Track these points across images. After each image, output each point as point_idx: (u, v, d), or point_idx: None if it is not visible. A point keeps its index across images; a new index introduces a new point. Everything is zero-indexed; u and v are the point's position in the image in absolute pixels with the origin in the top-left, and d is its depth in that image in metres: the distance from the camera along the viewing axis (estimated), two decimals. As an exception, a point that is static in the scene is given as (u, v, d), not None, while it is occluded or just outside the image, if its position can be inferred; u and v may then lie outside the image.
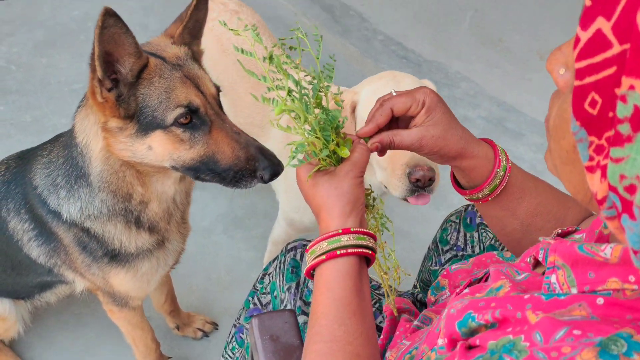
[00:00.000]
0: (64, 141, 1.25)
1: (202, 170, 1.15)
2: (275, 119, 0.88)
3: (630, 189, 0.48)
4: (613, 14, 0.47)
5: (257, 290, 1.36)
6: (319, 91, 0.89)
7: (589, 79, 0.50)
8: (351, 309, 0.81)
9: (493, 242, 1.35)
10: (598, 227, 0.82)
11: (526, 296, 0.64)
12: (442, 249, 1.43)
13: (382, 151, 0.95)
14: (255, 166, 1.12)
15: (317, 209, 0.89)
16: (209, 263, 2.16)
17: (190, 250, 1.63)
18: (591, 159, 0.52)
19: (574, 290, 0.62)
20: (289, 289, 1.21)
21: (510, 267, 0.85)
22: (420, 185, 1.40)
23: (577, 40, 0.50)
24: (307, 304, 1.20)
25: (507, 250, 1.32)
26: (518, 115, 2.91)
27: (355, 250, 0.83)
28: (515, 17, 3.65)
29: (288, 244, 1.33)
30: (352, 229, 0.84)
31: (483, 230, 1.38)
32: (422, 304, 1.39)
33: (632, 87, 0.45)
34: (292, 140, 0.89)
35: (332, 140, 0.88)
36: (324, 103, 0.90)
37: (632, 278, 0.58)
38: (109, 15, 0.95)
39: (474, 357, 0.60)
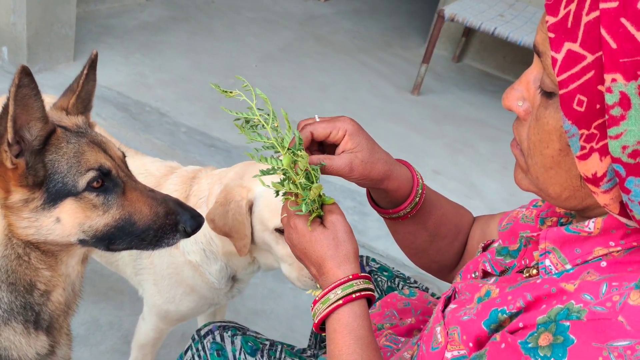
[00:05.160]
0: None
1: (116, 236, 1.06)
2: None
3: (634, 154, 0.61)
4: (577, 37, 0.63)
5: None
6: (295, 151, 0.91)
7: (572, 86, 0.63)
8: (374, 347, 0.84)
9: (389, 283, 1.44)
10: (519, 230, 0.96)
11: (538, 281, 0.73)
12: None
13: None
14: (176, 220, 1.09)
15: (318, 261, 0.90)
16: (58, 394, 1.84)
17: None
18: (583, 148, 0.65)
19: (568, 267, 0.73)
20: (222, 373, 1.12)
21: (468, 281, 0.93)
22: None
23: (554, 60, 0.65)
24: (247, 383, 1.12)
25: (404, 288, 1.43)
26: (329, 185, 3.15)
27: (366, 293, 0.87)
28: (298, 100, 4.01)
29: (199, 330, 1.23)
30: (359, 274, 0.88)
31: (376, 276, 1.46)
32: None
33: (614, 80, 0.60)
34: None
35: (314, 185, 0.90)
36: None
37: (612, 243, 0.71)
38: (25, 74, 0.88)
39: (525, 336, 0.66)
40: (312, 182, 0.89)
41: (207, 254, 1.59)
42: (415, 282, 1.47)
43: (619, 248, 0.70)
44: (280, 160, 0.90)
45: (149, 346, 1.78)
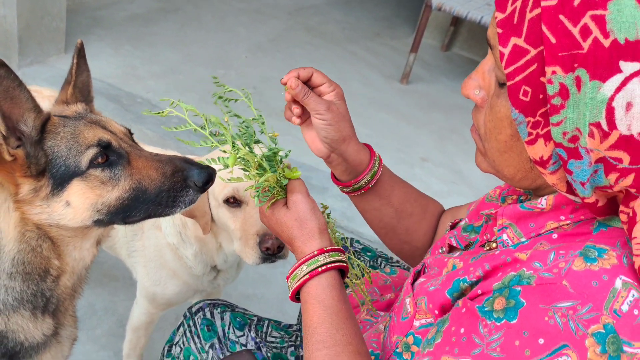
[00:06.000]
0: None
1: (131, 207, 1.05)
2: (229, 172, 0.96)
3: (573, 139, 0.67)
4: (522, 33, 0.68)
5: (166, 365, 1.29)
6: (254, 135, 0.98)
7: (518, 77, 0.69)
8: (343, 315, 0.88)
9: (371, 262, 1.50)
10: (483, 209, 1.03)
11: (496, 252, 0.79)
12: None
13: (296, 103, 1.06)
14: (184, 175, 1.05)
15: (288, 241, 0.96)
16: (56, 376, 1.90)
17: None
18: (530, 134, 0.71)
19: (523, 239, 0.80)
20: (211, 346, 1.19)
21: (435, 256, 1.00)
22: (271, 253, 1.47)
23: (502, 54, 0.70)
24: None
25: (386, 267, 1.49)
26: (318, 173, 3.21)
27: (334, 265, 0.92)
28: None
29: (190, 307, 1.30)
30: (325, 249, 0.93)
31: (359, 256, 1.53)
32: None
33: (554, 72, 0.66)
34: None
35: (282, 171, 0.96)
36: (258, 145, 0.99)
37: (562, 217, 0.78)
38: (0, 66, 0.88)
39: (483, 301, 0.73)
40: (266, 172, 0.96)
41: (182, 237, 1.65)
42: (398, 261, 1.54)
43: (568, 222, 0.77)
44: (227, 158, 0.96)
45: (142, 329, 1.85)
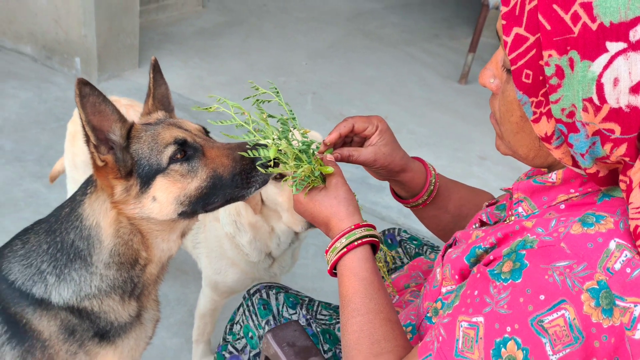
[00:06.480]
0: (46, 228, 1.25)
1: (211, 194, 1.17)
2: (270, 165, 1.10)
3: (570, 115, 0.75)
4: (522, 22, 0.77)
5: (229, 341, 1.43)
6: (290, 130, 1.10)
7: (520, 62, 0.78)
8: (375, 286, 0.98)
9: (417, 250, 1.59)
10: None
11: (510, 222, 0.88)
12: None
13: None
14: (252, 158, 1.15)
15: (325, 220, 1.05)
16: (134, 358, 2.10)
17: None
18: (535, 113, 0.80)
19: (536, 211, 0.88)
20: (267, 322, 1.32)
21: (466, 231, 1.09)
22: None
23: (505, 43, 0.79)
24: (288, 330, 1.31)
25: (431, 254, 1.58)
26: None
27: (368, 239, 1.01)
28: (346, 94, 4.18)
29: (249, 290, 1.44)
30: (360, 224, 1.02)
31: (406, 244, 1.62)
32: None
33: (550, 55, 0.74)
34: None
35: (314, 163, 1.07)
36: (296, 139, 1.11)
37: (572, 190, 0.85)
38: (84, 84, 1.01)
39: (494, 266, 0.81)
40: (303, 163, 1.06)
41: (237, 226, 1.79)
42: (444, 249, 1.62)
43: (577, 194, 0.84)
44: (268, 149, 1.08)
45: (208, 316, 2.01)
